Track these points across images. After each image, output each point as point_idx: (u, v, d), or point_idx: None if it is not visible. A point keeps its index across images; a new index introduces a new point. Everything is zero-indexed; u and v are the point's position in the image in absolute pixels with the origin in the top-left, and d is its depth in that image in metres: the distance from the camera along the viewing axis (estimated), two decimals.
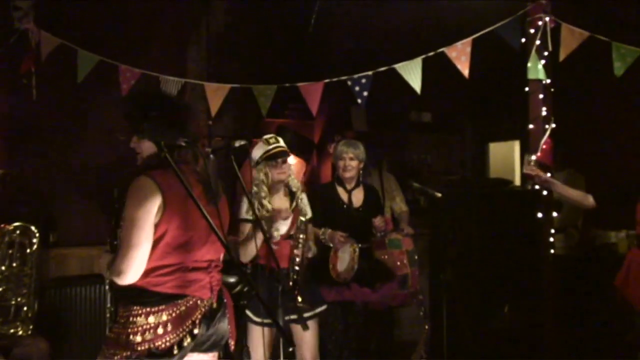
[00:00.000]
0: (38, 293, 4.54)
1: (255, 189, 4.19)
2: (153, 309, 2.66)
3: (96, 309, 5.19)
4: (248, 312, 4.09)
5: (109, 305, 4.78)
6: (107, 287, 4.87)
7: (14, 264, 4.42)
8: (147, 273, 2.66)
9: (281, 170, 4.21)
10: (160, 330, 2.65)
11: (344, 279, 4.67)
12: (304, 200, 4.39)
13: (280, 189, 4.31)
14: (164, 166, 2.66)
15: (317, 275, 4.50)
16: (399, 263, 5.08)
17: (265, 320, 3.98)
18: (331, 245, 4.64)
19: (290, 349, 2.61)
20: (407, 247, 5.32)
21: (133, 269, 2.61)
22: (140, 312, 2.66)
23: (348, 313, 4.85)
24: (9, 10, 4.99)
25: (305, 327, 3.89)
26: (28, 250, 4.48)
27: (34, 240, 4.48)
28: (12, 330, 4.35)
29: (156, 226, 2.64)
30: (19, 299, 4.38)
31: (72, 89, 5.12)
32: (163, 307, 2.67)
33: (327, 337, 4.77)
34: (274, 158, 4.19)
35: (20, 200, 5.15)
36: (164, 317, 2.66)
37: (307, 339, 4.23)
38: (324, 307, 4.35)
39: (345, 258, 4.70)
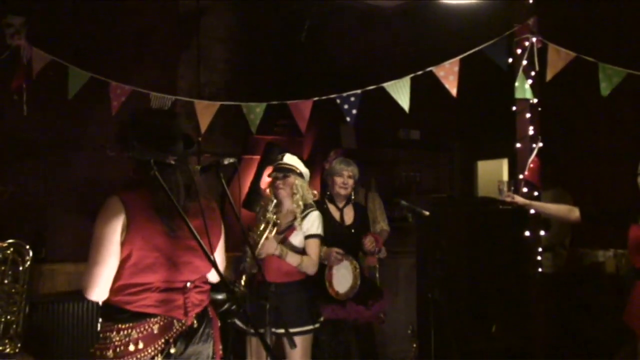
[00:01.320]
0: (27, 310, 4.52)
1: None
2: (122, 326, 2.66)
3: (84, 326, 5.16)
4: (237, 322, 4.11)
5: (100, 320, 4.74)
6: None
7: (6, 281, 4.39)
8: (118, 290, 2.67)
9: (279, 186, 4.38)
10: (131, 347, 2.65)
11: (345, 296, 4.70)
12: (307, 219, 4.40)
13: (286, 204, 4.43)
14: (144, 184, 2.67)
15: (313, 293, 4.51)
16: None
17: (261, 331, 3.99)
18: (326, 262, 4.66)
19: None
20: (369, 263, 5.41)
21: (96, 286, 2.63)
22: (112, 328, 2.67)
23: (339, 330, 4.86)
24: (0, 26, 5.00)
25: (292, 345, 3.90)
26: (20, 268, 4.46)
27: (27, 258, 4.46)
28: (1, 348, 4.32)
29: (122, 245, 2.64)
30: (8, 317, 4.35)
31: (63, 106, 5.12)
32: (132, 324, 2.67)
33: (320, 354, 4.77)
34: (275, 172, 4.44)
35: (12, 216, 5.14)
36: (134, 335, 2.65)
37: (294, 355, 4.23)
38: (315, 326, 4.36)
39: (345, 275, 4.73)
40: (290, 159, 4.49)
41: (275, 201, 4.36)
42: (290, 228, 4.39)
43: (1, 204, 4.91)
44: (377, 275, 5.56)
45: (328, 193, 5.02)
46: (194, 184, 2.83)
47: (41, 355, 4.60)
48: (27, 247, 4.48)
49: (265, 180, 4.93)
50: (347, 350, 5.09)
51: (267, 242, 4.19)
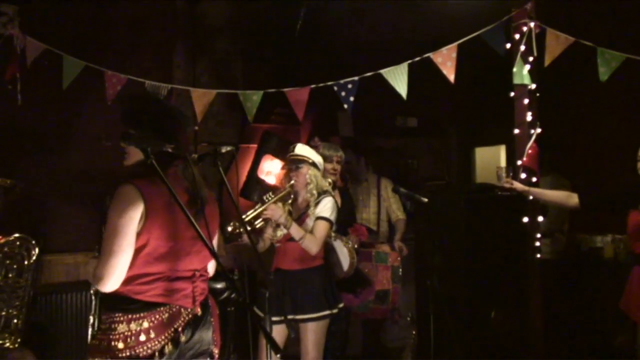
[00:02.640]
0: (29, 304, 4.49)
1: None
2: (134, 316, 2.66)
3: (82, 317, 5.15)
4: (257, 310, 4.13)
5: (92, 312, 4.73)
6: (92, 293, 4.82)
7: (10, 275, 4.35)
8: (129, 280, 2.66)
9: (293, 177, 4.42)
10: (142, 337, 2.65)
11: (347, 274, 4.70)
12: (320, 203, 4.41)
13: (302, 194, 4.46)
14: (150, 174, 2.65)
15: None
16: (382, 278, 5.13)
17: (274, 318, 3.98)
18: None
19: (278, 355, 2.58)
20: (392, 262, 5.37)
21: (113, 276, 2.61)
22: (122, 319, 2.66)
23: (331, 321, 4.87)
24: None
25: (291, 333, 3.91)
26: (25, 262, 4.42)
27: (33, 253, 4.42)
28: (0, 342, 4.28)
29: (138, 235, 2.64)
30: (10, 311, 4.31)
31: (57, 95, 5.08)
32: (144, 314, 2.67)
33: None
34: (288, 164, 4.48)
35: (10, 207, 5.10)
36: (145, 325, 2.66)
37: (307, 342, 4.25)
38: (332, 311, 4.36)
39: (343, 253, 4.72)
40: (302, 149, 4.47)
41: (291, 194, 4.43)
42: (304, 215, 4.42)
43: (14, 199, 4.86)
44: (400, 273, 5.53)
45: None
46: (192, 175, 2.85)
47: (39, 347, 4.58)
48: (34, 242, 4.44)
49: (266, 169, 4.91)
50: (344, 339, 5.10)
51: (275, 207, 4.19)
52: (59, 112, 5.61)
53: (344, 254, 4.74)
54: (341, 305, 4.45)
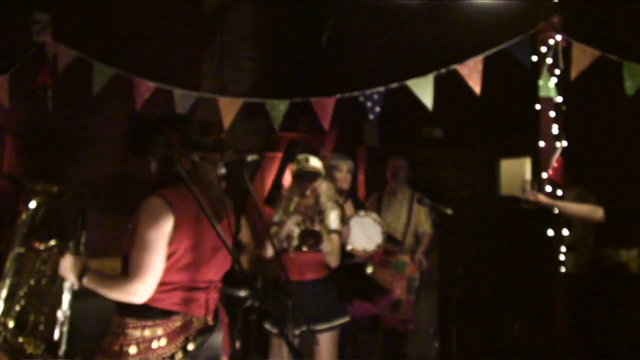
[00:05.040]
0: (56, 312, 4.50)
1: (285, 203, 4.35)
2: (149, 323, 2.69)
3: (106, 322, 5.17)
4: (267, 325, 4.13)
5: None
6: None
7: (43, 281, 4.36)
8: None
9: (307, 188, 4.30)
10: (154, 344, 2.67)
11: (372, 253, 4.74)
12: (329, 218, 4.39)
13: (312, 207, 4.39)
14: (174, 183, 2.69)
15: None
16: (397, 288, 5.12)
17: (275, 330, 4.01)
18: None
19: None
20: (410, 273, 5.36)
21: (148, 289, 2.63)
22: (136, 325, 2.69)
23: (358, 331, 4.88)
24: (27, 23, 5.06)
25: (314, 342, 3.91)
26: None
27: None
28: (24, 345, 4.31)
29: (167, 245, 2.66)
30: (38, 316, 4.33)
31: (87, 101, 5.16)
32: (159, 321, 2.69)
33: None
34: (300, 177, 4.31)
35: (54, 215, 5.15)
36: (159, 332, 2.69)
37: (321, 352, 4.24)
38: (344, 320, 4.36)
39: (371, 231, 4.75)
40: (316, 162, 4.40)
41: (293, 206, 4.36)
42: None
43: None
44: (417, 285, 5.52)
45: None
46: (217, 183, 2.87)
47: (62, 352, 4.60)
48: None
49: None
50: (370, 351, 5.10)
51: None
52: (87, 117, 5.69)
53: (370, 231, 4.74)
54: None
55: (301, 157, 4.42)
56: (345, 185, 4.96)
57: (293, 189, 4.37)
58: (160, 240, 2.62)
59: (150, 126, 2.83)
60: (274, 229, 4.29)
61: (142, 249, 2.62)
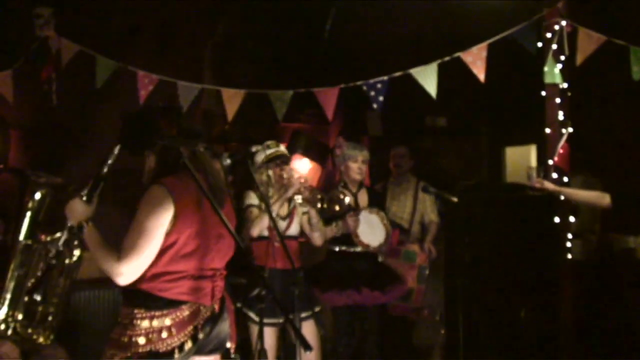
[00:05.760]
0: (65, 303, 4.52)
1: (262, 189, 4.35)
2: (157, 313, 2.69)
3: (114, 313, 5.19)
4: (250, 314, 4.13)
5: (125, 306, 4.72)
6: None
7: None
8: (153, 277, 2.69)
9: (283, 172, 4.38)
10: (164, 334, 2.68)
11: (379, 249, 4.78)
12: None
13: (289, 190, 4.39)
14: (175, 172, 2.71)
15: (326, 280, 4.56)
16: (407, 277, 5.12)
17: (268, 321, 3.98)
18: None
19: (307, 352, 2.60)
20: (420, 262, 5.36)
21: (133, 274, 2.64)
22: (144, 315, 2.69)
23: (364, 319, 4.87)
24: (30, 18, 5.05)
25: (321, 330, 3.93)
26: (67, 261, 4.45)
27: (75, 252, 4.44)
28: (34, 336, 4.33)
29: (167, 234, 2.66)
30: (47, 307, 4.34)
31: (91, 95, 5.16)
32: (167, 311, 2.70)
33: (338, 340, 4.79)
34: (273, 160, 4.35)
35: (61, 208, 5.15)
36: (167, 322, 2.69)
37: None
38: (319, 308, 4.42)
39: (375, 226, 4.78)
40: (279, 144, 4.50)
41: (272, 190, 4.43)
42: (294, 209, 4.49)
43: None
44: (427, 274, 5.53)
45: (342, 179, 5.02)
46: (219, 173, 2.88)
47: (69, 343, 4.62)
48: (76, 242, 4.47)
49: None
50: (377, 339, 5.09)
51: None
52: (91, 111, 5.69)
53: (374, 227, 4.76)
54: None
55: (270, 142, 4.43)
56: (359, 176, 4.92)
57: (267, 172, 4.40)
58: (156, 229, 2.63)
59: (145, 122, 2.85)
60: (254, 212, 4.32)
61: (137, 234, 2.63)
